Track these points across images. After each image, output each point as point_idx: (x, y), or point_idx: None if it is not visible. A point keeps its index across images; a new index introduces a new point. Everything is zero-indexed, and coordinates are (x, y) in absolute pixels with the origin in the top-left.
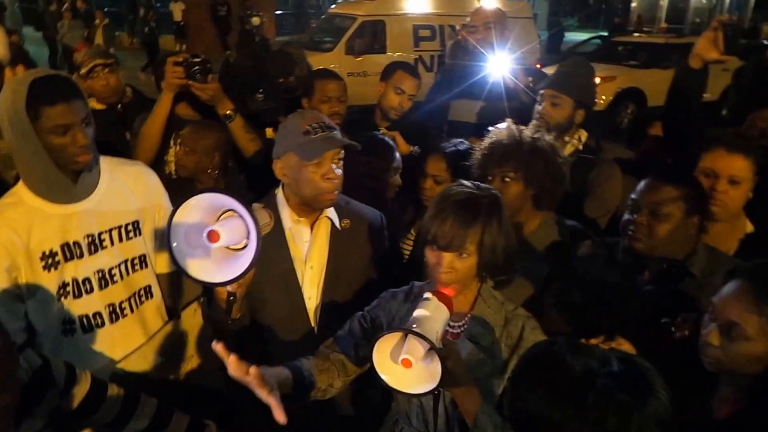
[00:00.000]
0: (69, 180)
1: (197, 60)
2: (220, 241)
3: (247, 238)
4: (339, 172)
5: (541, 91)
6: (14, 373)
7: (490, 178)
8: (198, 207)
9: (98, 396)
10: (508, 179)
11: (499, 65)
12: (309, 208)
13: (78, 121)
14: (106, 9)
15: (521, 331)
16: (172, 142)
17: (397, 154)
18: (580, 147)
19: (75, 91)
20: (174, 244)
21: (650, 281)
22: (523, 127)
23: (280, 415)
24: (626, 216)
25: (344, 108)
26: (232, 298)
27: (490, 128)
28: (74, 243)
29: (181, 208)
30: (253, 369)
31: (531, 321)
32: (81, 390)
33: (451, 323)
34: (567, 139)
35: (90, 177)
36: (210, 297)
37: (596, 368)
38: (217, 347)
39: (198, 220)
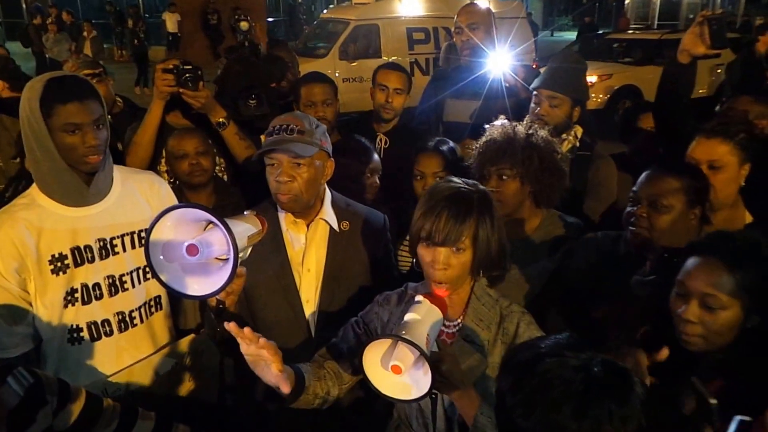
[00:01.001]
0: (82, 182)
1: (188, 67)
2: (199, 255)
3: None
4: (298, 176)
5: (535, 92)
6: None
7: (487, 176)
8: (178, 221)
9: (93, 413)
10: (504, 177)
11: (495, 63)
12: (294, 211)
13: (89, 121)
14: (93, 21)
15: (516, 327)
16: (164, 152)
17: (375, 156)
18: (577, 144)
19: (90, 92)
20: (160, 258)
21: (651, 272)
22: (516, 124)
23: (285, 387)
24: (628, 208)
25: (332, 112)
26: (221, 306)
27: (488, 127)
28: (85, 247)
29: (159, 223)
30: (263, 340)
31: (526, 317)
32: (76, 408)
33: (446, 323)
34: (564, 136)
35: (103, 181)
36: (203, 304)
37: (572, 376)
38: (230, 326)
39: (180, 234)
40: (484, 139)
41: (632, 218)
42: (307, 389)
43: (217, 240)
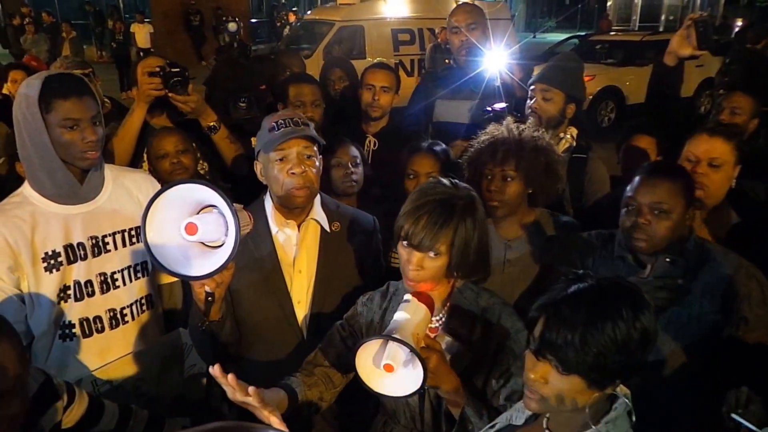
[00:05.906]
0: (75, 179)
1: (175, 70)
2: (197, 235)
3: (226, 234)
4: (309, 168)
5: (532, 86)
6: (26, 380)
7: (489, 176)
8: (177, 198)
9: (96, 414)
10: (509, 178)
11: (493, 63)
12: (290, 210)
13: (88, 117)
14: (72, 21)
15: (498, 318)
16: (145, 156)
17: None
18: (574, 144)
19: (87, 90)
20: (150, 234)
21: (652, 275)
22: (522, 126)
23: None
24: (623, 216)
25: (319, 113)
26: (210, 298)
27: (490, 126)
28: (78, 244)
29: (159, 198)
30: (252, 389)
31: (507, 308)
32: (80, 408)
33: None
34: (561, 135)
35: (96, 178)
36: (189, 299)
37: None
38: (214, 371)
39: (176, 212)
40: (486, 137)
41: (634, 228)
42: (301, 402)
43: (214, 224)
